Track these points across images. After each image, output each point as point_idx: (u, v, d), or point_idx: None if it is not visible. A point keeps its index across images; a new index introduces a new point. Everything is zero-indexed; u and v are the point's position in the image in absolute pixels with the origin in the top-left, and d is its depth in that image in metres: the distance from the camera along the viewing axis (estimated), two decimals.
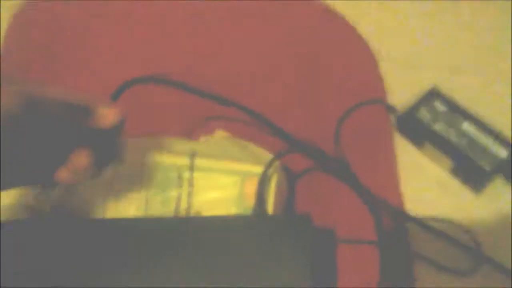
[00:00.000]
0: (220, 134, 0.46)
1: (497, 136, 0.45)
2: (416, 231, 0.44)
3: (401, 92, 0.51)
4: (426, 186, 0.47)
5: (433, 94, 0.48)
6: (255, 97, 0.51)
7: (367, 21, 0.57)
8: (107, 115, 0.32)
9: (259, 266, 0.31)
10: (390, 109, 0.50)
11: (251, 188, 0.39)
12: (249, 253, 0.32)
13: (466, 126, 0.46)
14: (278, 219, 0.36)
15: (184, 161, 0.40)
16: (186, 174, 0.39)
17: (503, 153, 0.45)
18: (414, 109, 0.48)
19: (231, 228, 0.34)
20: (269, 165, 0.38)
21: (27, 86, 0.29)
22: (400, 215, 0.45)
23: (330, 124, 0.50)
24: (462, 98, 0.49)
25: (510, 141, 0.45)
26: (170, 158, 0.40)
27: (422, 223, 0.44)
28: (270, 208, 0.39)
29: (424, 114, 0.47)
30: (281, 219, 0.35)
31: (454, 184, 0.46)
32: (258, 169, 0.39)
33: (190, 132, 0.48)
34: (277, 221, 0.34)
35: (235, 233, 0.33)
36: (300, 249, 0.32)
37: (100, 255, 0.33)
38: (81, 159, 0.32)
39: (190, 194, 0.39)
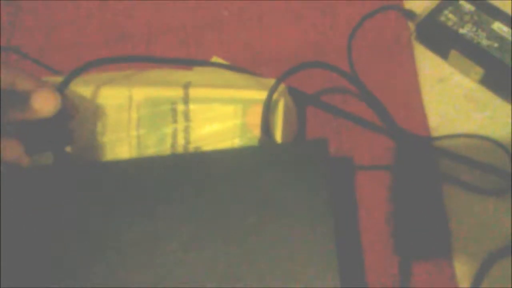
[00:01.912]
0: (217, 60, 0.41)
1: None
2: (443, 153, 0.40)
3: None
4: (452, 101, 0.41)
5: None
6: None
7: None
8: (41, 106, 0.29)
9: (273, 199, 0.28)
10: (409, 14, 0.44)
11: (255, 117, 0.34)
12: (260, 188, 0.28)
13: (498, 26, 0.40)
14: (290, 147, 0.31)
15: (177, 92, 0.35)
16: (181, 107, 0.35)
17: None
18: (436, 11, 0.41)
19: (237, 161, 0.29)
20: (273, 89, 0.33)
21: None
22: (425, 138, 0.40)
23: (344, 35, 0.44)
24: None
25: None
26: (160, 91, 0.35)
27: (447, 151, 0.39)
28: (278, 138, 0.34)
29: (448, 16, 0.41)
30: (293, 147, 0.30)
31: (485, 96, 0.41)
32: (262, 95, 0.34)
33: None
34: (289, 149, 0.30)
35: (242, 167, 0.29)
36: (317, 179, 0.28)
37: (99, 202, 0.29)
38: (8, 151, 0.29)
39: (186, 129, 0.34)
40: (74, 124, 0.33)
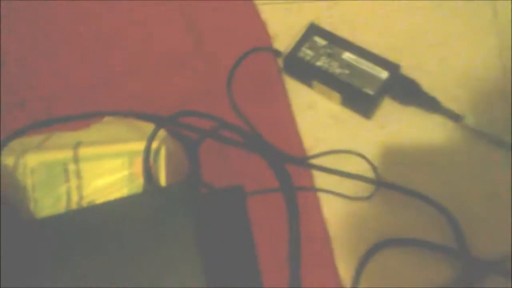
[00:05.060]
0: (107, 119, 0.45)
1: (376, 59, 0.46)
2: (318, 168, 0.46)
3: (284, 33, 0.51)
4: (321, 122, 0.48)
5: (312, 30, 0.48)
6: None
7: None
8: None
9: (146, 244, 0.32)
10: (276, 53, 0.50)
11: (140, 166, 0.38)
12: (136, 232, 0.32)
13: (347, 56, 0.47)
14: (158, 191, 0.36)
15: (67, 153, 0.39)
16: (72, 167, 0.39)
17: (384, 74, 0.46)
18: (295, 49, 0.48)
19: (118, 210, 0.34)
20: (150, 139, 0.38)
21: None
22: (299, 159, 0.46)
23: (223, 78, 0.50)
24: (343, 26, 0.49)
25: (389, 61, 0.46)
26: (52, 154, 0.39)
27: (321, 167, 0.45)
28: (163, 181, 0.39)
29: (306, 52, 0.48)
30: (161, 191, 0.35)
31: (346, 116, 0.48)
32: (144, 146, 0.39)
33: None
34: (157, 194, 0.34)
35: (120, 215, 0.33)
36: (184, 212, 0.32)
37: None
38: None
39: (79, 187, 0.38)
40: None
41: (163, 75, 0.51)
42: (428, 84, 0.47)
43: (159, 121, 0.39)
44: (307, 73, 0.47)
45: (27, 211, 0.37)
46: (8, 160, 0.37)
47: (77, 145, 0.39)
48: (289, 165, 0.46)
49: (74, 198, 0.38)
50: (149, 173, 0.37)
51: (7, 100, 0.51)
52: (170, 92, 0.50)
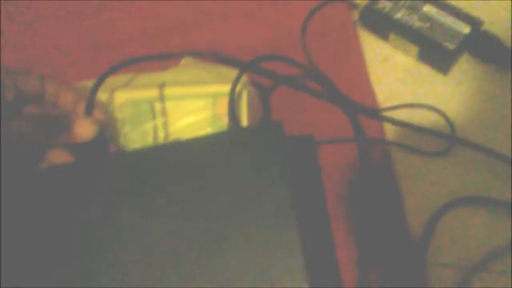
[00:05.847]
0: (186, 62, 0.46)
1: (458, 14, 0.45)
2: (391, 121, 0.46)
3: None
4: (395, 77, 0.47)
5: None
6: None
7: None
8: (83, 132, 0.35)
9: (233, 178, 0.33)
10: (352, 5, 0.50)
11: (223, 108, 0.39)
12: (222, 167, 0.33)
13: (427, 8, 0.46)
14: (248, 129, 0.36)
15: (153, 93, 0.40)
16: (158, 105, 0.40)
17: (465, 29, 0.45)
18: (373, 1, 0.47)
19: (208, 145, 0.35)
20: (235, 82, 0.39)
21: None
22: (373, 110, 0.46)
23: (295, 28, 0.50)
24: None
25: (472, 16, 0.45)
26: (139, 93, 0.40)
27: (395, 120, 0.45)
28: (245, 123, 0.40)
29: (384, 3, 0.47)
30: (251, 129, 0.36)
31: (422, 70, 0.47)
32: (227, 88, 0.40)
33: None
34: (247, 132, 0.35)
35: (207, 150, 0.34)
36: (272, 153, 0.33)
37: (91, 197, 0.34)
38: (58, 158, 0.35)
39: (165, 124, 0.40)
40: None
41: (235, 24, 0.52)
42: (510, 42, 0.46)
43: (243, 65, 0.39)
44: (384, 25, 0.47)
45: (118, 144, 0.39)
46: (102, 96, 0.39)
47: (162, 85, 0.40)
48: (361, 117, 0.46)
49: (161, 134, 0.39)
50: (234, 114, 0.38)
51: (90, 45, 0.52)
52: (241, 42, 0.51)
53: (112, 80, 0.42)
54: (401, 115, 0.46)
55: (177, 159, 0.35)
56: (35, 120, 0.35)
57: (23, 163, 0.35)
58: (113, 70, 0.38)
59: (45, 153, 0.35)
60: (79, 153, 0.36)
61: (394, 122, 0.45)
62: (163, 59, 0.42)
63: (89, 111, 0.36)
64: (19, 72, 0.34)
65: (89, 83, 0.37)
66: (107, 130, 0.38)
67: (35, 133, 0.35)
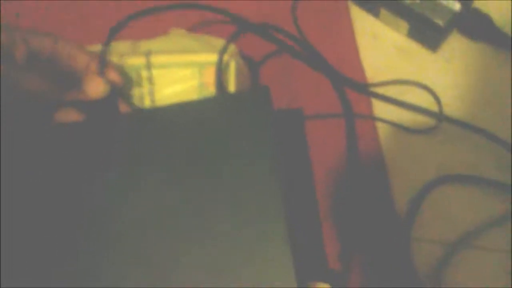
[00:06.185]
0: (174, 31, 0.46)
1: None
2: (379, 98, 0.46)
3: None
4: (385, 52, 0.47)
5: None
6: None
7: None
8: (95, 90, 0.35)
9: (220, 142, 0.33)
10: None
11: (210, 77, 0.39)
12: (209, 132, 0.33)
13: None
14: (235, 95, 0.36)
15: (140, 60, 0.40)
16: (144, 73, 0.39)
17: (456, 6, 0.45)
18: None
19: (191, 110, 0.34)
20: (223, 51, 0.38)
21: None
22: (362, 85, 0.46)
23: (286, 1, 0.49)
24: None
25: None
26: (125, 60, 0.40)
27: (382, 96, 0.45)
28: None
29: None
30: (238, 95, 0.35)
31: (412, 47, 0.47)
32: (215, 58, 0.39)
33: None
34: (234, 97, 0.35)
35: (194, 115, 0.34)
36: (259, 118, 0.33)
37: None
38: (68, 117, 0.35)
39: (151, 92, 0.39)
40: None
41: None
42: (500, 21, 0.46)
43: (240, 23, 0.39)
44: (375, 0, 0.46)
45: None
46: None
47: (149, 53, 0.40)
48: (349, 92, 0.46)
49: (147, 102, 0.39)
50: (221, 83, 0.38)
51: None
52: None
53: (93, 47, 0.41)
54: (389, 91, 0.46)
55: (164, 124, 0.34)
56: (47, 76, 0.34)
57: (32, 119, 0.35)
58: (121, 25, 0.37)
59: (55, 111, 0.35)
60: (89, 113, 0.36)
61: (382, 98, 0.45)
62: (160, 11, 0.40)
63: (101, 70, 0.36)
64: (31, 31, 0.33)
65: (98, 47, 0.37)
66: (118, 92, 0.37)
67: (46, 90, 0.34)
